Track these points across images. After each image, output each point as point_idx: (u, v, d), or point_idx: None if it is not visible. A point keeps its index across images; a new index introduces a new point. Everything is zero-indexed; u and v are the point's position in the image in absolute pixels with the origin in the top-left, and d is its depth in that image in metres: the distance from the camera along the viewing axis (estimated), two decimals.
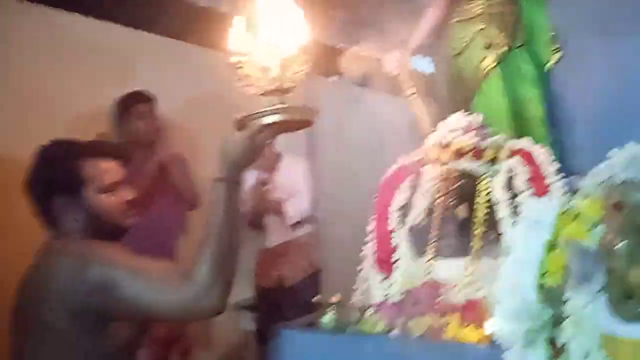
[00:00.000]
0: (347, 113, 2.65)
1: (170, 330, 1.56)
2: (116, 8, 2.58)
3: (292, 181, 2.72)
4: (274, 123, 1.22)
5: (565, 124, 1.83)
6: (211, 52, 2.97)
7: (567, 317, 0.73)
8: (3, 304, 1.28)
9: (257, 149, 1.22)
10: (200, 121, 2.77)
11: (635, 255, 0.67)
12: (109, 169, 1.30)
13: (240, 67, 1.28)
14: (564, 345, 0.74)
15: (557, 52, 1.79)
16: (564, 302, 0.74)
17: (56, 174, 1.27)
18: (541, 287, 0.76)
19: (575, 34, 1.77)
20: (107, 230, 1.29)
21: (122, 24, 2.65)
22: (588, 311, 0.70)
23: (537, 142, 1.57)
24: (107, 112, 2.50)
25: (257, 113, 1.22)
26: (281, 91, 1.26)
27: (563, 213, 0.79)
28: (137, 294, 1.13)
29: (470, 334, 1.21)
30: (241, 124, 1.23)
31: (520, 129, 1.74)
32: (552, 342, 0.76)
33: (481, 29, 1.72)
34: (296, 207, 2.68)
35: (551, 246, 0.78)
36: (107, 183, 1.28)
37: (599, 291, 0.70)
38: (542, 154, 1.39)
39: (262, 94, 1.28)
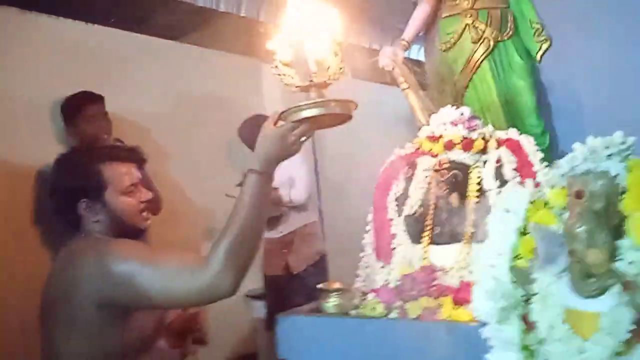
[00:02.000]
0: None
1: (185, 320, 1.65)
2: (104, 10, 2.65)
3: (289, 168, 2.72)
4: (313, 117, 1.20)
5: (554, 113, 1.90)
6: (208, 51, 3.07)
7: (535, 295, 0.81)
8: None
9: (293, 144, 1.22)
10: (168, 121, 2.83)
11: (593, 238, 0.75)
12: (127, 172, 1.38)
13: (278, 65, 1.26)
14: (534, 321, 0.83)
15: (544, 42, 1.85)
16: (533, 282, 0.83)
17: (80, 180, 1.35)
18: (513, 268, 0.85)
19: (561, 26, 1.84)
20: (126, 230, 1.37)
21: (111, 26, 2.72)
22: (553, 289, 0.79)
23: (528, 131, 1.64)
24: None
25: (296, 107, 1.20)
26: (319, 86, 1.25)
27: (533, 202, 0.88)
28: (156, 282, 1.19)
29: (462, 314, 1.29)
30: (280, 118, 1.22)
31: (511, 118, 1.81)
32: (523, 318, 0.85)
33: (469, 23, 1.78)
34: (293, 193, 2.74)
35: (522, 232, 0.87)
36: (126, 185, 1.37)
37: (562, 271, 0.79)
38: (528, 144, 1.47)
39: (300, 89, 1.27)
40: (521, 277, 0.84)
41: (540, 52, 1.86)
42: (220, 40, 3.04)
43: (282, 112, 1.22)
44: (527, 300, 0.84)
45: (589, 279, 0.75)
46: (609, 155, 0.79)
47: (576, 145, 0.84)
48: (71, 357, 1.28)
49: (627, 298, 0.71)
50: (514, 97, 1.81)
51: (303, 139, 1.24)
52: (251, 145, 2.95)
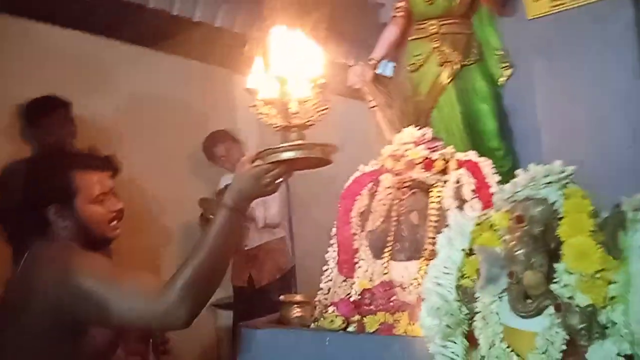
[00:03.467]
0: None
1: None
2: (88, 17, 2.65)
3: None
4: (291, 159, 1.19)
5: (517, 137, 1.98)
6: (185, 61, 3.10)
7: (478, 314, 0.86)
8: None
9: (268, 185, 1.22)
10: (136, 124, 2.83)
11: (530, 261, 0.79)
12: (98, 180, 1.38)
13: (258, 104, 1.26)
14: (477, 338, 0.87)
15: (507, 69, 1.93)
16: (477, 301, 0.87)
17: (50, 184, 1.34)
18: (458, 287, 0.89)
19: (523, 53, 1.92)
20: (93, 239, 1.37)
21: (95, 33, 2.74)
22: (493, 308, 0.83)
23: (490, 154, 1.70)
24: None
25: (275, 148, 1.19)
26: (299, 127, 1.24)
27: (479, 223, 0.92)
28: (113, 302, 1.18)
29: (417, 330, 1.33)
30: (259, 157, 1.21)
31: (474, 141, 1.87)
32: (468, 335, 0.89)
33: (435, 47, 1.85)
34: (266, 212, 2.79)
35: (468, 252, 0.91)
36: (97, 194, 1.36)
37: (503, 292, 0.83)
38: (487, 166, 1.52)
39: (280, 129, 1.26)
40: (466, 296, 0.88)
41: (503, 78, 1.93)
42: (194, 49, 3.06)
43: (260, 152, 1.21)
44: (471, 318, 0.88)
45: (526, 300, 0.80)
46: (548, 183, 0.84)
47: (519, 172, 0.89)
48: None
49: (560, 319, 0.76)
50: (477, 121, 1.88)
51: (279, 180, 1.24)
52: (211, 159, 2.98)
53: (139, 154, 2.69)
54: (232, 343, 2.72)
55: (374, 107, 1.90)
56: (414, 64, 1.89)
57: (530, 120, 1.93)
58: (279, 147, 1.19)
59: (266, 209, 2.78)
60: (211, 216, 2.88)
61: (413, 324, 1.34)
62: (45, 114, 2.42)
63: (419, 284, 1.47)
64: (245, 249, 2.79)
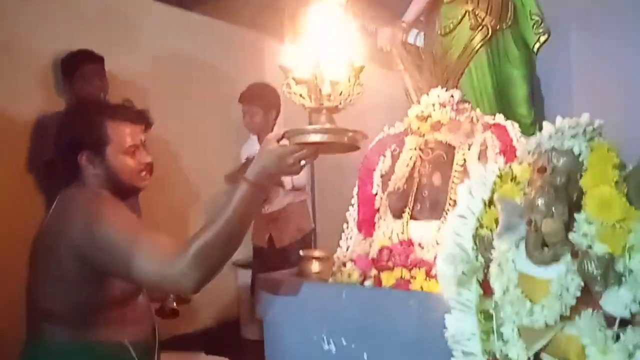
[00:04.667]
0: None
1: None
2: None
3: None
4: (318, 142, 1.17)
5: (547, 106, 1.94)
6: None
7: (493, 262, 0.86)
8: None
9: (292, 165, 1.20)
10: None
11: (551, 210, 0.79)
12: (130, 132, 1.42)
13: (290, 83, 1.23)
14: (493, 287, 0.88)
15: (543, 35, 1.88)
16: (494, 250, 0.88)
17: (85, 131, 1.39)
18: (476, 236, 0.90)
19: (561, 20, 1.87)
20: (122, 188, 1.43)
21: None
22: (509, 256, 0.84)
23: (518, 121, 1.68)
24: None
25: (303, 129, 1.17)
26: (330, 110, 1.21)
27: (500, 176, 0.92)
28: (131, 260, 1.21)
29: (434, 286, 1.35)
30: (285, 136, 1.20)
31: (503, 107, 1.85)
32: (482, 284, 0.90)
33: (470, 10, 1.81)
34: (296, 178, 2.79)
35: (488, 203, 0.92)
36: (128, 145, 1.41)
37: (520, 240, 0.84)
38: (514, 130, 1.51)
39: (311, 111, 1.24)
40: (483, 244, 0.89)
41: (538, 45, 1.89)
42: (223, 9, 3.06)
43: (287, 131, 1.19)
44: (487, 267, 0.89)
45: (543, 248, 0.80)
46: (574, 135, 0.84)
47: (546, 124, 0.88)
48: (52, 304, 1.33)
49: (576, 266, 0.76)
50: (507, 86, 1.85)
51: (303, 162, 1.22)
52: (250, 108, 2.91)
53: (166, 113, 2.73)
54: (251, 301, 2.80)
55: (402, 69, 1.89)
56: (446, 26, 1.86)
57: (563, 88, 1.89)
58: (307, 129, 1.17)
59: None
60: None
61: (429, 281, 1.36)
62: (79, 68, 2.47)
63: (437, 244, 1.48)
64: (268, 211, 2.82)
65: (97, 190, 1.40)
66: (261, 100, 2.81)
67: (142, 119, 1.47)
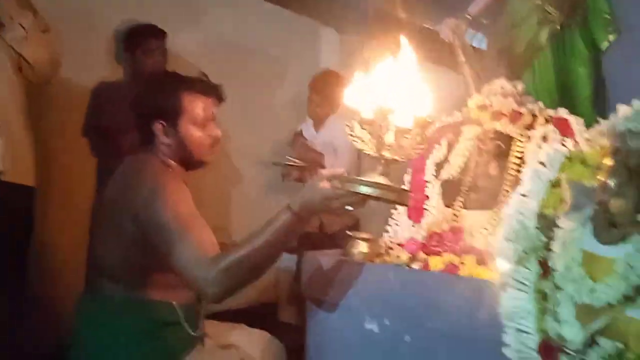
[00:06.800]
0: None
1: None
2: None
3: (334, 138, 2.82)
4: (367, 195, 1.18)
5: (611, 107, 1.88)
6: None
7: (556, 241, 0.86)
8: None
9: (336, 208, 1.22)
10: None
11: (621, 190, 0.78)
12: (204, 106, 1.47)
13: (353, 125, 1.24)
14: (552, 267, 0.87)
15: (612, 34, 1.83)
16: (556, 230, 0.87)
17: (161, 101, 1.44)
18: (539, 215, 0.89)
19: (632, 19, 1.81)
20: (190, 160, 1.48)
21: None
22: (575, 234, 0.83)
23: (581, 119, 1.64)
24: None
25: (356, 179, 1.19)
26: (388, 161, 1.22)
27: (569, 158, 0.92)
28: (172, 245, 1.25)
29: (483, 272, 1.34)
30: (337, 178, 1.20)
31: (565, 104, 1.81)
32: (542, 263, 0.89)
33: (538, 4, 1.79)
34: (336, 160, 2.81)
35: (555, 184, 0.91)
36: (200, 117, 1.45)
37: (587, 220, 0.83)
38: (577, 124, 1.48)
39: (368, 154, 1.24)
40: (546, 223, 0.88)
41: (607, 44, 1.84)
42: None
43: (341, 175, 1.20)
44: (548, 247, 0.89)
45: (611, 229, 0.79)
46: None
47: (620, 106, 0.87)
48: (110, 262, 1.39)
49: None
50: (571, 84, 1.82)
51: (348, 207, 1.23)
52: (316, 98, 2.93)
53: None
54: (293, 285, 2.83)
55: (463, 61, 1.88)
56: (514, 20, 1.84)
57: (629, 91, 1.83)
58: (360, 180, 1.18)
59: (337, 157, 2.81)
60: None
61: (479, 267, 1.35)
62: (144, 42, 2.53)
63: (489, 234, 1.47)
64: None
65: (165, 159, 1.45)
66: (330, 94, 2.84)
67: (215, 92, 1.52)
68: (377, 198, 1.19)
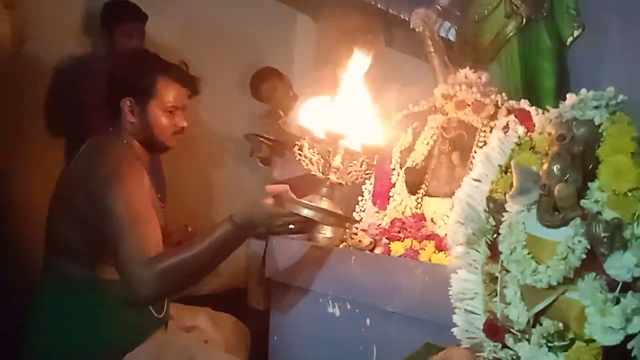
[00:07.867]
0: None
1: (186, 235, 1.73)
2: None
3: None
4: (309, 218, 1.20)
5: None
6: None
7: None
8: None
9: (278, 227, 1.23)
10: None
11: (565, 176, 0.81)
12: (177, 94, 1.45)
13: (303, 144, 1.28)
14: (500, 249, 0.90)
15: (577, 29, 1.87)
16: (504, 214, 0.90)
17: (136, 78, 1.42)
18: (489, 199, 0.92)
19: (597, 15, 1.85)
20: (152, 143, 1.47)
21: None
22: (520, 217, 0.86)
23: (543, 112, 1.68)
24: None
25: (299, 201, 1.20)
26: (334, 185, 1.26)
27: (519, 144, 0.94)
28: (119, 237, 1.25)
29: (442, 258, 1.37)
30: (282, 197, 1.20)
31: (529, 97, 1.84)
32: (491, 246, 0.92)
33: None
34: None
35: (505, 169, 0.94)
36: (170, 104, 1.44)
37: (532, 204, 0.86)
38: (538, 116, 1.51)
39: (314, 174, 1.29)
40: (495, 207, 0.91)
41: (571, 38, 1.88)
42: None
43: (286, 195, 1.21)
44: (496, 231, 0.91)
45: (554, 213, 0.82)
46: (597, 107, 0.85)
47: (569, 95, 0.90)
48: (67, 241, 1.38)
49: (584, 229, 0.78)
50: (536, 77, 1.85)
51: (291, 226, 1.24)
52: (255, 97, 3.03)
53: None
54: (262, 270, 2.84)
55: (432, 52, 1.90)
56: (481, 12, 1.86)
57: (594, 84, 1.88)
58: (302, 202, 1.20)
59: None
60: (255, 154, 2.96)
61: (438, 253, 1.39)
62: (124, 22, 2.43)
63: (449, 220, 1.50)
64: (284, 178, 2.85)
65: (128, 138, 1.44)
66: (277, 74, 2.92)
67: (191, 84, 1.50)
68: (316, 222, 1.23)
